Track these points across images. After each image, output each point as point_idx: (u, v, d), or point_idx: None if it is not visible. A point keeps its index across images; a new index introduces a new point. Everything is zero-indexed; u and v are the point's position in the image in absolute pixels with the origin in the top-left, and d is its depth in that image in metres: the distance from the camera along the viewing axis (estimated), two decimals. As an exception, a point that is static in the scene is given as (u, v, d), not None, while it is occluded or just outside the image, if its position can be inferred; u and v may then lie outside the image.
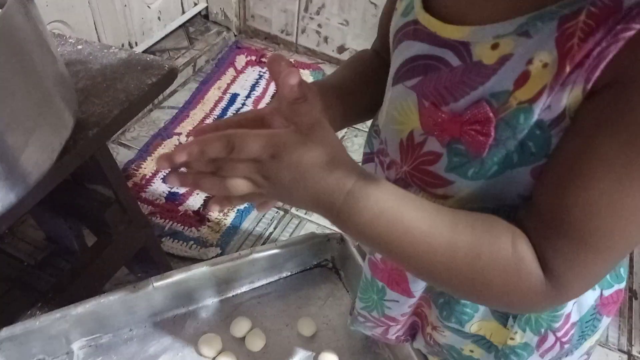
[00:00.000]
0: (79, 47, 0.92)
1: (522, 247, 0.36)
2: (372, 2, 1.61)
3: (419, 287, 0.50)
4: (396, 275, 0.51)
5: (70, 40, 0.92)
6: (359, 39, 1.72)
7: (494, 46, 0.36)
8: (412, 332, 0.61)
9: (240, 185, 0.38)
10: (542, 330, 0.47)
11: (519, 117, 0.36)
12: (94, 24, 1.44)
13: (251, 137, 0.36)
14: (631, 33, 0.30)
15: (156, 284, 0.68)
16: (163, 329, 0.69)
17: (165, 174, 1.38)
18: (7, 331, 0.61)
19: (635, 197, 0.33)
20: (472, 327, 0.50)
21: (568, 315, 0.47)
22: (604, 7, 0.31)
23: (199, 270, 0.69)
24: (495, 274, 0.37)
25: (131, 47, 1.60)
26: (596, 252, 0.35)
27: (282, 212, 1.33)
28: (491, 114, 0.37)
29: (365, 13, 1.65)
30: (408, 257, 0.38)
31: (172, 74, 0.89)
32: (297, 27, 1.83)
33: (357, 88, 0.54)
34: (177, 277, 0.69)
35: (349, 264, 0.75)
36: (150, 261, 1.00)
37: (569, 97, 0.33)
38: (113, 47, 0.92)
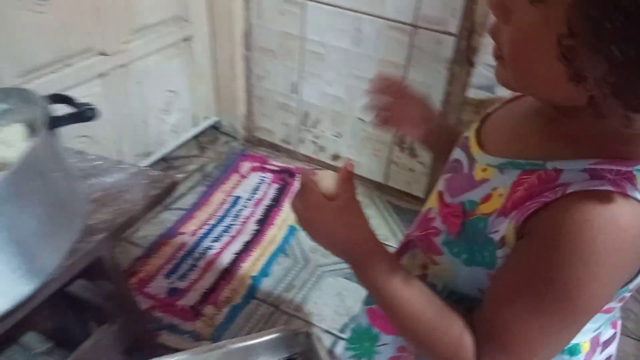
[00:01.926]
0: (97, 162, 1.09)
1: (465, 340, 0.49)
2: (360, 119, 1.82)
3: None
4: None
5: (89, 157, 1.10)
6: (352, 149, 1.91)
7: (484, 170, 0.52)
8: None
9: None
10: None
11: (479, 223, 0.50)
12: (116, 137, 1.65)
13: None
14: (546, 199, 0.44)
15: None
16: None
17: (167, 272, 1.50)
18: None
19: (540, 317, 0.45)
20: None
21: None
22: (548, 175, 0.46)
23: (181, 359, 0.80)
24: (441, 348, 0.50)
25: (147, 156, 1.80)
26: (512, 356, 0.47)
27: (272, 309, 1.43)
28: (462, 213, 0.53)
29: (355, 127, 1.85)
30: (394, 314, 0.53)
31: (172, 186, 1.06)
32: (297, 138, 2.04)
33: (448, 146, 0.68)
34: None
35: (314, 358, 0.85)
36: (144, 351, 1.10)
37: (507, 228, 0.47)
38: (126, 164, 1.10)
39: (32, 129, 0.92)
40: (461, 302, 0.56)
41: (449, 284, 0.57)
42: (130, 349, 1.07)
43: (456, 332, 0.50)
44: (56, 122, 0.82)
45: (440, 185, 0.61)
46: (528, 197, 0.45)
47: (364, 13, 1.61)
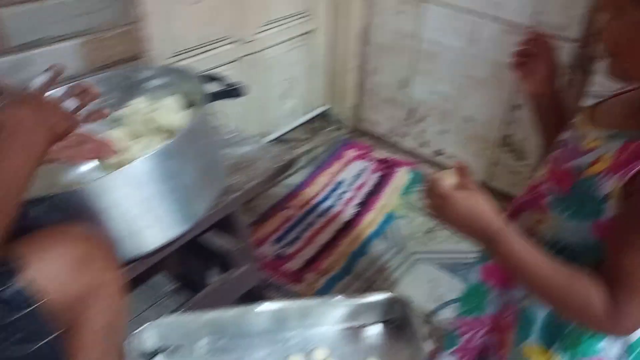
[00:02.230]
0: (230, 135, 1.27)
1: (592, 291, 0.58)
2: (467, 117, 1.87)
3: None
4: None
5: (224, 130, 1.28)
6: (456, 146, 1.97)
7: (594, 140, 0.64)
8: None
9: None
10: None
11: (588, 182, 0.62)
12: (242, 116, 1.85)
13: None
14: None
15: (258, 310, 0.93)
16: (261, 342, 0.94)
17: (277, 237, 1.68)
18: (165, 319, 0.89)
19: None
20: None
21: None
22: None
23: (293, 304, 0.94)
24: (573, 301, 0.60)
25: (264, 136, 1.99)
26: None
27: (366, 285, 1.54)
28: (573, 175, 0.65)
29: (461, 125, 1.90)
30: (526, 278, 0.63)
31: (292, 162, 1.20)
32: (401, 132, 2.13)
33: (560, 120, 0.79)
34: (275, 306, 0.94)
35: (408, 325, 0.95)
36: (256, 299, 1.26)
37: (613, 185, 0.59)
38: (253, 139, 1.26)
39: (187, 100, 1.10)
40: (565, 250, 0.66)
41: (554, 236, 0.68)
42: (244, 296, 1.24)
43: (584, 285, 0.58)
44: (211, 97, 1.00)
45: (549, 159, 0.72)
46: (632, 160, 0.56)
47: (482, 15, 1.66)
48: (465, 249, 1.67)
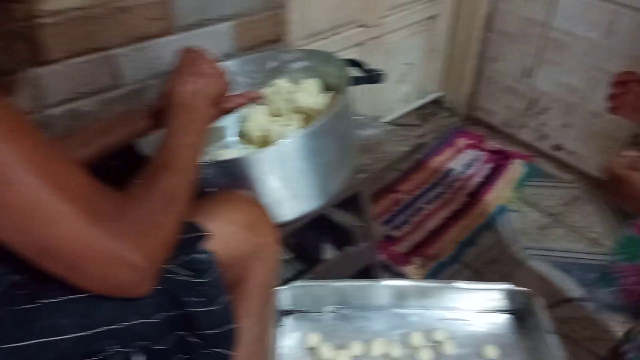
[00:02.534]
0: (358, 117, 1.32)
1: None
2: (594, 112, 1.78)
3: None
4: None
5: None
6: (578, 141, 1.88)
7: None
8: None
9: None
10: None
11: None
12: (357, 97, 1.90)
13: None
14: None
15: (382, 284, 0.99)
16: (381, 316, 0.99)
17: (386, 219, 1.73)
18: (297, 283, 0.98)
19: None
20: None
21: None
22: None
23: (415, 283, 0.99)
24: None
25: (376, 119, 2.03)
26: None
27: (475, 276, 1.55)
28: None
29: (587, 120, 1.81)
30: None
31: (419, 146, 1.23)
32: (519, 123, 2.07)
33: None
34: (397, 283, 0.99)
35: (532, 318, 0.96)
36: (367, 277, 1.33)
37: None
38: (380, 121, 1.31)
39: (325, 83, 1.17)
40: None
41: None
42: (358, 273, 1.31)
43: None
44: (352, 82, 1.05)
45: None
46: None
47: (623, 5, 1.56)
48: (581, 248, 1.61)
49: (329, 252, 1.36)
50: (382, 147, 1.22)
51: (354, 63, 1.12)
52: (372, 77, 1.06)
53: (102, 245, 0.51)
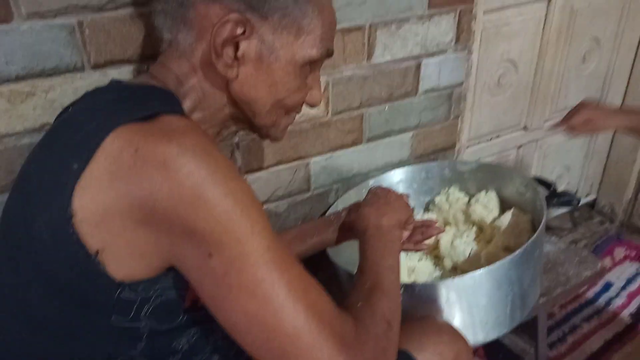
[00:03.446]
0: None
1: None
2: None
3: None
4: None
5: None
6: None
7: None
8: None
9: None
10: None
11: None
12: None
13: None
14: None
15: None
16: None
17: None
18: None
19: None
20: None
21: None
22: None
23: None
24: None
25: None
26: None
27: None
28: None
29: None
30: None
31: (602, 271, 1.15)
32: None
33: None
34: None
35: None
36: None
37: None
38: (554, 238, 1.24)
39: (499, 197, 1.15)
40: None
41: None
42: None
43: None
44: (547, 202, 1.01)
45: None
46: None
47: None
48: None
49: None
50: (563, 268, 1.15)
51: (542, 182, 1.09)
52: (568, 201, 1.01)
53: None
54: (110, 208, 0.47)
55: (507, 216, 1.07)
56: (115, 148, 0.47)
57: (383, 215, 0.78)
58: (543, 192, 1.04)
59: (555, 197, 1.05)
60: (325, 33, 0.62)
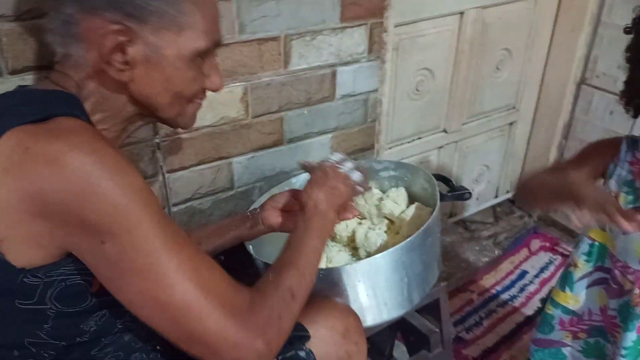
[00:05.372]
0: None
1: None
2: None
3: None
4: None
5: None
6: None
7: None
8: None
9: None
10: None
11: None
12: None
13: None
14: None
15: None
16: None
17: (455, 321, 1.74)
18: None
19: None
20: None
21: None
22: None
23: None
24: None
25: (450, 216, 2.10)
26: None
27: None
28: None
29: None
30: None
31: (498, 259, 1.29)
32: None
33: None
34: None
35: None
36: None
37: None
38: (460, 229, 1.38)
39: (409, 193, 1.27)
40: None
41: None
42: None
43: None
44: (440, 197, 1.14)
45: None
46: None
47: None
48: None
49: (402, 353, 1.40)
50: (464, 255, 1.29)
51: (443, 179, 1.22)
52: (461, 195, 1.14)
53: (235, 335, 0.59)
54: (3, 202, 0.53)
55: (411, 209, 1.19)
56: (7, 147, 0.53)
57: (325, 197, 0.83)
58: (441, 187, 1.17)
59: (453, 191, 1.18)
60: (208, 25, 0.66)
